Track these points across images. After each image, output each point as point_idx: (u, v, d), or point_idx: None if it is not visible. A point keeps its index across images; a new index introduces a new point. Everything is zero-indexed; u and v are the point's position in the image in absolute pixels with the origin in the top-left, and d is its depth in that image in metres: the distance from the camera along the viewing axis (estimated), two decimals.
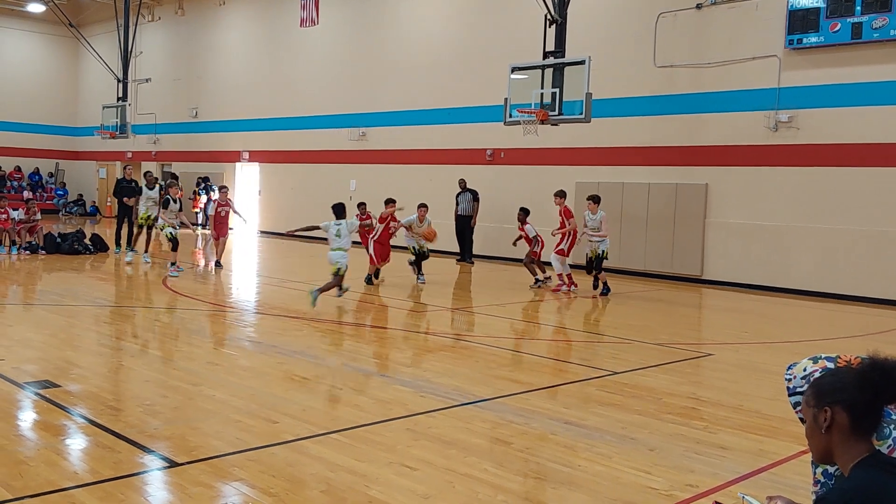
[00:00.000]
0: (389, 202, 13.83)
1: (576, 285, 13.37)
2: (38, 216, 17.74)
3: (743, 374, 7.68)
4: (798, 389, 3.07)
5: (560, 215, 13.44)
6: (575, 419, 5.80)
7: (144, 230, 16.42)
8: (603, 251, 13.12)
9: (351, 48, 23.14)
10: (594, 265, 13.23)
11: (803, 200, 14.56)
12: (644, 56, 16.35)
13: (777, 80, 14.72)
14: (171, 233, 14.48)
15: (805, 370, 3.10)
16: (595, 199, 13.37)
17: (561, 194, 13.57)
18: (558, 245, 13.38)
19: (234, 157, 27.38)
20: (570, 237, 13.32)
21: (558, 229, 13.40)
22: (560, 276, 13.26)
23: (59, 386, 6.26)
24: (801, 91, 14.51)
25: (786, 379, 3.14)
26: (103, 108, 28.20)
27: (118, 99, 27.77)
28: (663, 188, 16.33)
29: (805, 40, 14.27)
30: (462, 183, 18.61)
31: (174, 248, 14.44)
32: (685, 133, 16.09)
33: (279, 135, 25.48)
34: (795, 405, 3.11)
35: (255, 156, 26.61)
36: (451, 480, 4.46)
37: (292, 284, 13.63)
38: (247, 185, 27.28)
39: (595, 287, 13.38)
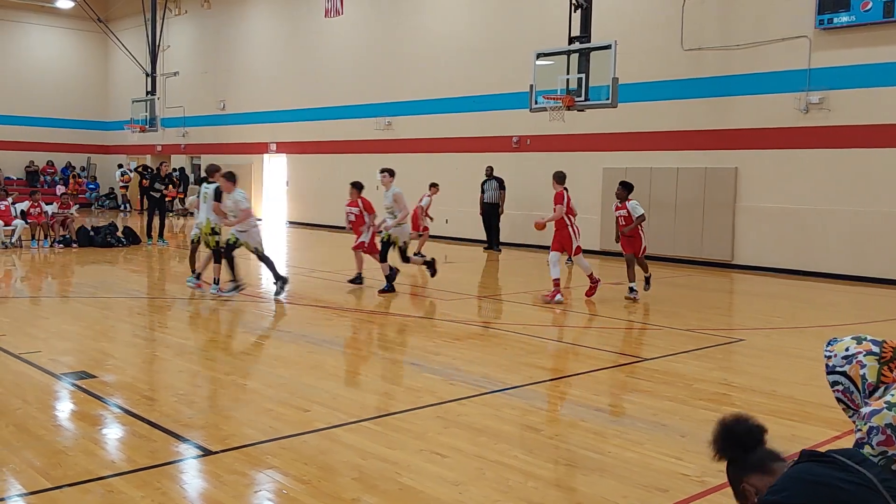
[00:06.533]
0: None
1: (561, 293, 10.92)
2: (73, 210, 18.03)
3: (775, 360, 7.60)
4: (838, 368, 3.03)
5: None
6: (605, 406, 5.79)
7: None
8: (394, 239, 11.27)
9: (376, 37, 23.14)
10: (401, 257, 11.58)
11: (835, 183, 14.32)
12: (671, 39, 16.15)
13: (807, 60, 14.47)
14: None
15: (847, 350, 3.06)
16: (389, 173, 11.42)
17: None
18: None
19: (261, 148, 27.57)
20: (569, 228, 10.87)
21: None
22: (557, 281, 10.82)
23: (95, 377, 6.38)
24: (832, 72, 14.25)
25: (825, 356, 3.10)
26: (132, 101, 28.54)
27: (147, 93, 28.07)
28: (692, 172, 16.16)
29: (836, 20, 14.00)
30: (489, 170, 18.57)
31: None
32: (714, 116, 15.89)
33: (306, 125, 25.59)
34: (833, 384, 3.07)
35: (283, 147, 26.77)
36: (481, 467, 4.48)
37: (321, 274, 13.72)
38: (274, 176, 27.48)
39: None
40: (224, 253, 10.64)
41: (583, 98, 14.28)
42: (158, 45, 28.48)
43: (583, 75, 14.26)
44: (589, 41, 14.71)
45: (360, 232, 11.84)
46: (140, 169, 28.40)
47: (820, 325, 9.67)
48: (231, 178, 10.47)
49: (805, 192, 14.69)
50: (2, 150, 32.23)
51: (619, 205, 11.16)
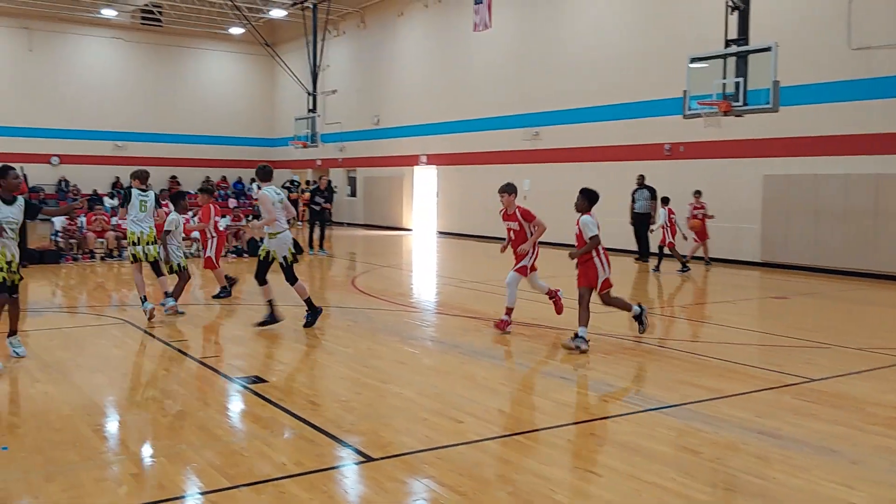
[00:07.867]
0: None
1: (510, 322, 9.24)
2: (243, 222, 19.34)
3: None
4: None
5: (516, 219, 9.15)
6: (768, 428, 5.55)
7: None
8: (273, 255, 9.23)
9: (524, 48, 23.27)
10: (257, 271, 9.34)
11: None
12: (837, 38, 15.19)
13: None
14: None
15: None
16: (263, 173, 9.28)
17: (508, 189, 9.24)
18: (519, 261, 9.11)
19: (412, 160, 28.39)
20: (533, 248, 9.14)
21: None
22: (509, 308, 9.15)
23: (266, 381, 6.84)
24: None
25: None
26: (295, 119, 30.33)
27: (308, 111, 29.74)
28: (863, 179, 15.10)
29: None
30: (640, 179, 18.18)
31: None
32: (887, 119, 14.77)
33: (455, 137, 26.12)
34: None
35: (433, 159, 27.44)
36: (637, 488, 4.43)
37: (471, 285, 13.94)
38: (425, 187, 28.21)
39: None
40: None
41: (741, 103, 13.73)
42: (319, 66, 30.06)
43: (741, 79, 13.71)
44: (747, 44, 14.13)
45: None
46: (288, 184, 30.11)
47: None
48: None
49: None
50: (183, 167, 35.18)
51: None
